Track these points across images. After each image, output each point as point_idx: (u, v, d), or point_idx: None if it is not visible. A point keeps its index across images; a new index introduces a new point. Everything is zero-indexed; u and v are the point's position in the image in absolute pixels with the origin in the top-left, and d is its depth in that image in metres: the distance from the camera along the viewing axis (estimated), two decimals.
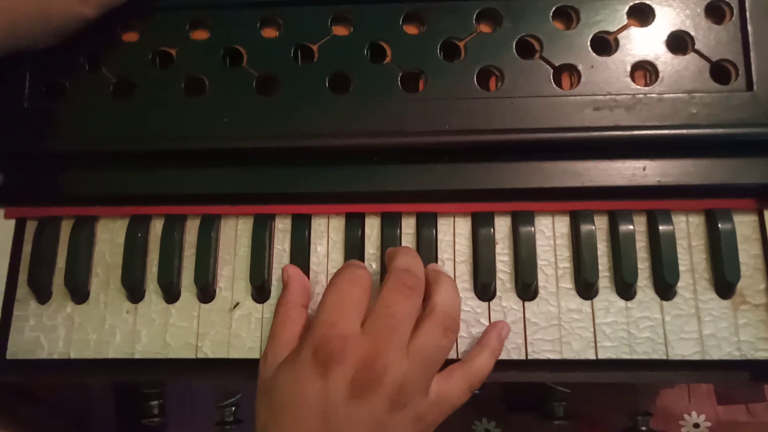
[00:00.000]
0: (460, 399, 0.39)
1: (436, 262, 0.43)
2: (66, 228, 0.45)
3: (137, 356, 0.43)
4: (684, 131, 0.42)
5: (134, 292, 0.44)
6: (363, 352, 0.35)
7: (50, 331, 0.43)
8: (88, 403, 0.67)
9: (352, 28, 0.46)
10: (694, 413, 0.62)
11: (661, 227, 0.42)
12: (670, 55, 0.44)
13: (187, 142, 0.44)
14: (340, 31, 0.46)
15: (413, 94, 0.44)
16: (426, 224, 0.43)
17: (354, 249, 0.43)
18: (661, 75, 0.44)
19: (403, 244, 0.44)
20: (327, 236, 0.44)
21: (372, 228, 0.44)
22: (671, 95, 0.43)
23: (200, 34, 0.46)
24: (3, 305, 0.44)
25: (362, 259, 0.43)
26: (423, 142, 0.43)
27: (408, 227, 0.44)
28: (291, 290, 0.41)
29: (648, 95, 0.43)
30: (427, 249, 0.43)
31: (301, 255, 0.43)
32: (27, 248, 0.44)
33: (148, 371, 0.43)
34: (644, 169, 0.42)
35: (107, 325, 0.43)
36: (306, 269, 0.43)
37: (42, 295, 0.44)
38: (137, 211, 0.45)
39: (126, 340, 0.43)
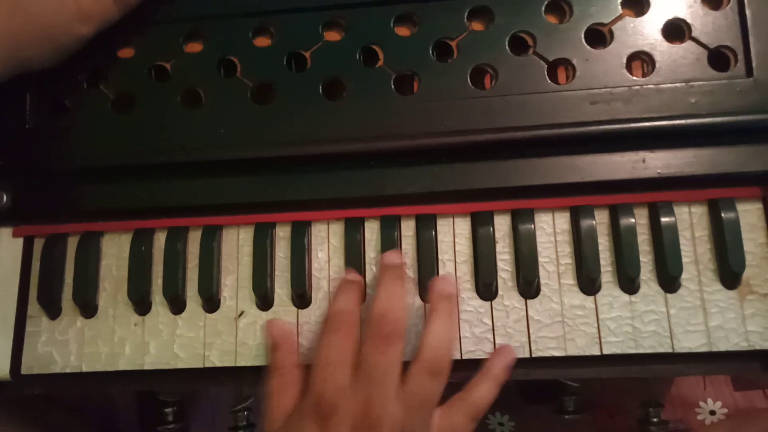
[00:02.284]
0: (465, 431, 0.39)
1: (437, 263, 0.43)
2: (72, 244, 0.46)
3: (147, 367, 0.43)
4: (684, 121, 0.41)
5: (141, 305, 0.44)
6: (357, 405, 0.37)
7: (62, 346, 0.44)
8: (111, 410, 0.69)
9: (343, 33, 0.46)
10: (710, 400, 0.61)
11: (663, 219, 0.42)
12: (666, 44, 0.43)
13: (186, 154, 0.44)
14: (331, 36, 0.46)
15: (407, 96, 0.44)
16: (425, 226, 0.43)
17: (355, 254, 0.43)
18: (658, 65, 0.43)
19: (404, 246, 0.44)
20: (327, 242, 0.44)
21: (372, 232, 0.44)
22: (669, 85, 0.42)
23: (194, 47, 0.47)
24: (16, 322, 0.45)
25: (363, 264, 0.43)
26: (419, 144, 0.43)
27: (407, 230, 0.44)
28: (281, 354, 0.41)
29: (645, 86, 0.42)
30: (428, 250, 0.43)
31: (302, 262, 0.44)
32: (36, 266, 0.45)
33: (159, 381, 0.44)
34: (644, 161, 0.42)
35: (117, 338, 0.44)
36: (308, 276, 0.44)
37: (52, 310, 0.45)
38: (140, 225, 0.45)
39: (135, 352, 0.44)
